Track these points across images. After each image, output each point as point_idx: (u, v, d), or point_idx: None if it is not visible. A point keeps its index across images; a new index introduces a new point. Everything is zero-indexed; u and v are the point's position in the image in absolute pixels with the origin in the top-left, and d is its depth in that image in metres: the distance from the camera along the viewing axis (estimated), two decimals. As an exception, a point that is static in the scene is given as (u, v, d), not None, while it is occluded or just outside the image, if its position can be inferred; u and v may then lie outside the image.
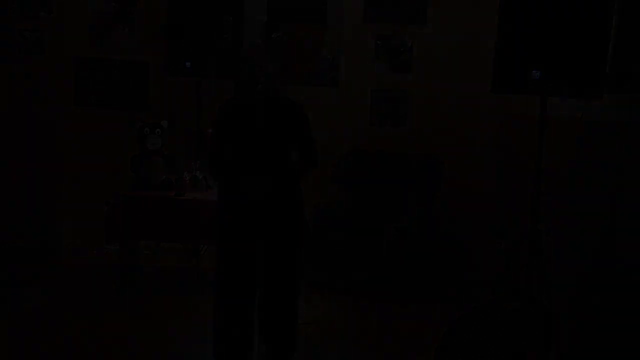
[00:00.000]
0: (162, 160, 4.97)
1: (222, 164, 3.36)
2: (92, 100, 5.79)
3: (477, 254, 5.47)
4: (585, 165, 3.38)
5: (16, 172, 5.71)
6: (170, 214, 4.73)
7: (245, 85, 3.23)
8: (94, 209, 5.23)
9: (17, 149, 5.70)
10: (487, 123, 5.36)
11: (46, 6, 5.55)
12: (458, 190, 5.56)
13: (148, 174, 4.91)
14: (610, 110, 3.22)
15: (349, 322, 4.38)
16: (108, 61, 5.75)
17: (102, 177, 5.76)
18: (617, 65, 3.19)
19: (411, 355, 3.89)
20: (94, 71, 5.76)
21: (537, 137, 3.24)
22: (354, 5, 5.57)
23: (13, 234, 5.45)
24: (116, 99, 5.79)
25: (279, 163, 3.30)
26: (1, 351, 3.68)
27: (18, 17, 5.57)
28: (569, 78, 3.02)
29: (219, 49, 5.15)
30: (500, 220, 5.26)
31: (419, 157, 5.38)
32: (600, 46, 3.00)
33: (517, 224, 4.51)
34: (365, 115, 5.64)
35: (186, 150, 5.68)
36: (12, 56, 5.62)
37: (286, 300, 3.48)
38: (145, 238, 5.12)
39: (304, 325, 3.79)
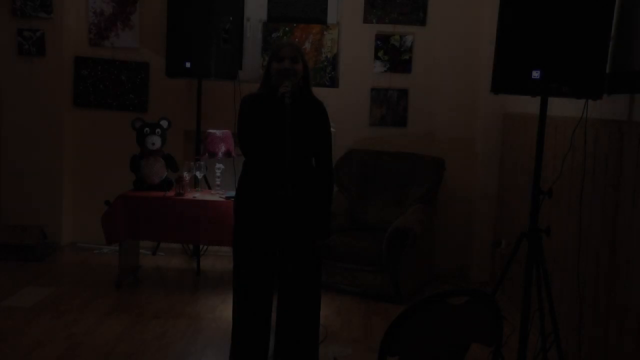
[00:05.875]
0: (162, 160, 4.97)
1: (252, 146, 3.27)
2: (91, 100, 5.80)
3: (477, 254, 5.48)
4: (585, 165, 3.38)
5: (16, 172, 5.71)
6: (170, 214, 4.73)
7: (274, 82, 3.20)
8: (94, 209, 5.23)
9: (17, 149, 5.70)
10: (486, 123, 5.36)
11: (46, 6, 5.55)
12: (458, 190, 5.57)
13: (148, 174, 4.91)
14: (610, 110, 3.22)
15: (350, 323, 4.38)
16: (108, 61, 5.75)
17: (102, 177, 5.76)
18: (617, 65, 3.18)
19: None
20: (94, 71, 5.76)
21: (537, 136, 3.23)
22: (354, 5, 5.58)
23: (13, 232, 5.44)
24: (116, 99, 5.79)
25: (303, 162, 3.27)
26: (0, 350, 3.68)
27: (18, 17, 5.57)
28: (569, 78, 3.02)
29: (218, 49, 5.16)
30: (500, 220, 5.26)
31: (418, 157, 5.37)
32: (600, 46, 2.99)
33: (517, 224, 4.51)
34: (365, 115, 5.65)
35: (186, 150, 5.69)
36: (12, 56, 5.62)
37: (304, 322, 3.39)
38: (145, 238, 5.13)
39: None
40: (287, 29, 5.63)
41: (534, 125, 3.42)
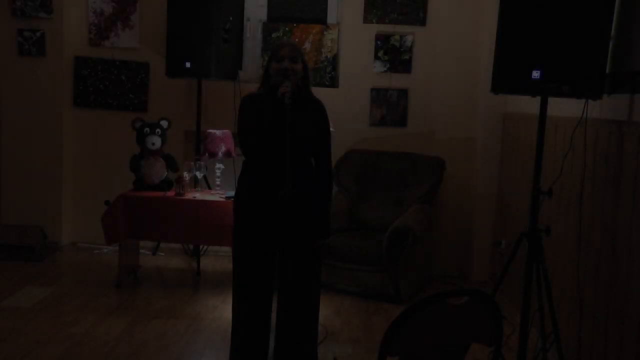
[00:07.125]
0: (162, 160, 4.97)
1: (252, 146, 3.25)
2: (91, 100, 5.79)
3: (477, 254, 5.47)
4: (585, 165, 3.38)
5: (16, 172, 5.71)
6: (170, 214, 4.73)
7: (274, 82, 3.19)
8: (94, 209, 5.23)
9: (17, 149, 5.70)
10: (486, 123, 5.36)
11: (46, 6, 5.54)
12: (458, 190, 5.57)
13: (148, 174, 4.91)
14: (610, 111, 3.22)
15: (350, 323, 4.38)
16: (108, 61, 5.75)
17: (102, 176, 5.76)
18: (617, 65, 3.18)
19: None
20: (94, 71, 5.76)
21: (537, 136, 3.23)
22: (354, 5, 5.57)
23: (13, 232, 5.44)
24: (116, 99, 5.79)
25: (303, 162, 3.27)
26: (0, 350, 3.68)
27: (18, 17, 5.56)
28: (569, 78, 3.02)
29: (218, 49, 5.15)
30: (500, 220, 5.26)
31: (418, 157, 5.37)
32: (600, 46, 3.00)
33: (517, 224, 4.51)
34: (365, 115, 5.65)
35: (186, 150, 5.69)
36: (12, 56, 5.62)
37: (304, 322, 3.39)
38: (145, 238, 5.13)
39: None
40: (287, 29, 5.63)
41: (534, 125, 3.42)
